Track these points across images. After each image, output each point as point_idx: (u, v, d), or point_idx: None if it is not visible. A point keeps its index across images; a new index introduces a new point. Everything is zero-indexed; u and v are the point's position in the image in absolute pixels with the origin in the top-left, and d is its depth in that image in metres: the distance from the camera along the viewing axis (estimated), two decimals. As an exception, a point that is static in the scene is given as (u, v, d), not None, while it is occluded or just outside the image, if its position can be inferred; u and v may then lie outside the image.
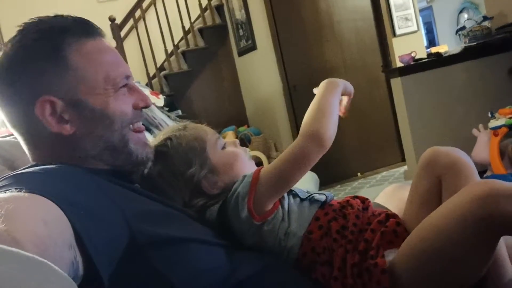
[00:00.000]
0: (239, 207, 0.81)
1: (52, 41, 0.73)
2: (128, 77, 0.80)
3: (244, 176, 0.83)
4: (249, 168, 0.93)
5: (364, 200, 0.93)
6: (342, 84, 0.94)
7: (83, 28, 0.76)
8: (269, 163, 4.20)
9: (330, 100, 0.88)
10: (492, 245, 0.70)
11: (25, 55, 0.72)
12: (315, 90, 0.95)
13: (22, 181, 0.59)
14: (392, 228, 0.82)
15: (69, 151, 0.75)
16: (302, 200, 0.88)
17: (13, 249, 0.36)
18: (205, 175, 0.88)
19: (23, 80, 0.72)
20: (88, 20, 0.79)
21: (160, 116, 2.13)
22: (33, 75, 0.72)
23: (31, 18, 0.76)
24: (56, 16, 0.76)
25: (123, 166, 0.80)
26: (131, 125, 0.80)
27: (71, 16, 0.77)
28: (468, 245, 0.69)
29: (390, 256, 0.78)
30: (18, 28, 0.75)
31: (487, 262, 0.71)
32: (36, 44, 0.72)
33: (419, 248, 0.73)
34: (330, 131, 0.83)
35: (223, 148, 0.94)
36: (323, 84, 0.93)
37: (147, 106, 0.82)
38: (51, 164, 0.70)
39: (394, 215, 0.87)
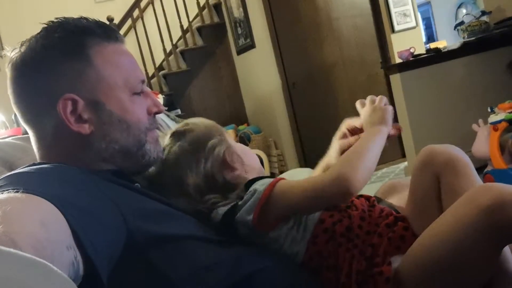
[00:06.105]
0: (245, 218, 0.79)
1: (77, 39, 0.75)
2: (143, 82, 0.82)
3: (255, 190, 0.80)
4: (257, 164, 0.97)
5: (369, 198, 0.92)
6: (387, 130, 0.90)
7: (105, 32, 0.78)
8: (269, 161, 4.21)
9: (372, 144, 0.84)
10: (498, 252, 0.70)
11: (50, 52, 0.73)
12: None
13: (19, 182, 0.58)
14: (399, 234, 0.81)
15: (82, 151, 0.75)
16: None
17: (12, 250, 0.35)
18: (226, 148, 0.91)
19: (46, 76, 0.73)
20: (109, 25, 0.81)
21: (160, 116, 2.13)
22: (57, 72, 0.73)
23: (56, 18, 0.77)
24: (80, 18, 0.78)
25: (129, 168, 0.81)
26: (147, 132, 0.81)
27: (94, 19, 0.79)
28: (475, 255, 0.68)
29: (396, 262, 0.77)
30: (43, 26, 0.76)
31: (493, 268, 0.71)
32: (61, 41, 0.74)
33: (424, 258, 0.72)
34: (361, 177, 0.76)
35: None
36: (368, 128, 0.91)
37: (159, 112, 0.84)
38: (58, 163, 0.70)
39: (403, 218, 0.85)
